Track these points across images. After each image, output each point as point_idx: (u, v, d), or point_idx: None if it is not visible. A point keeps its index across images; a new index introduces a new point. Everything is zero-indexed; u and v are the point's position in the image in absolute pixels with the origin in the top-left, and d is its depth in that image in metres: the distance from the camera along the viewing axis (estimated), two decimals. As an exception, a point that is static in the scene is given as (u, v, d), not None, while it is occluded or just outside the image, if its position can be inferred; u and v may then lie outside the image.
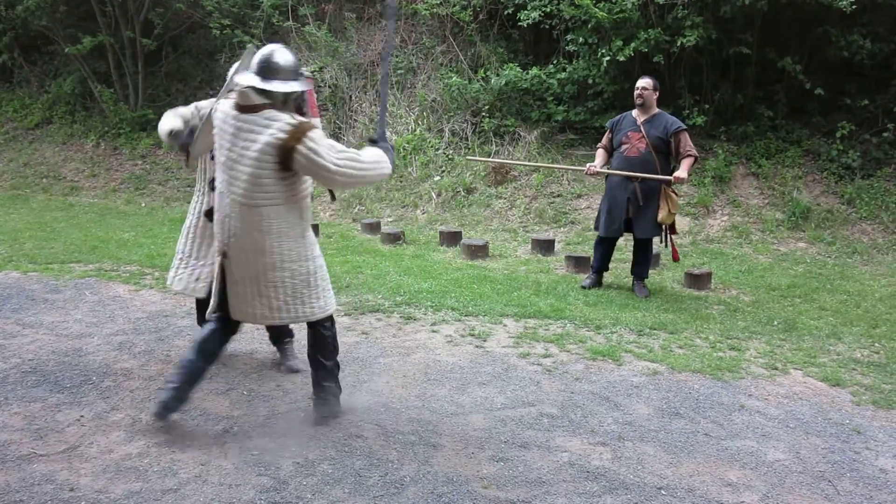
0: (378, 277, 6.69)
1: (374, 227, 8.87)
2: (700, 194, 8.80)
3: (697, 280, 6.61)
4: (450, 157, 10.08)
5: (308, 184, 3.66)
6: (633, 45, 8.74)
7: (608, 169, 6.36)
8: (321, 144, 3.43)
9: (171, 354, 4.77)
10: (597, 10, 8.79)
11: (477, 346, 4.97)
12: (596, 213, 6.91)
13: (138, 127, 12.75)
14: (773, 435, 3.80)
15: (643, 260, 6.40)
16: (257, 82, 3.47)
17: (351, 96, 11.39)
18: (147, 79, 13.11)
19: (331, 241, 8.43)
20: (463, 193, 9.55)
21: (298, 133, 3.40)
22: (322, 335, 3.86)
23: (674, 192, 6.23)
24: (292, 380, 4.37)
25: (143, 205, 11.05)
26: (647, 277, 6.44)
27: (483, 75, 10.21)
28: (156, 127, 12.42)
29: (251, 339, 5.02)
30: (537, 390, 4.25)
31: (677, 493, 3.23)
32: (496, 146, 10.02)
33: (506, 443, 3.61)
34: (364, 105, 11.29)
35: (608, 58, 8.94)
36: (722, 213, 8.68)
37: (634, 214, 6.23)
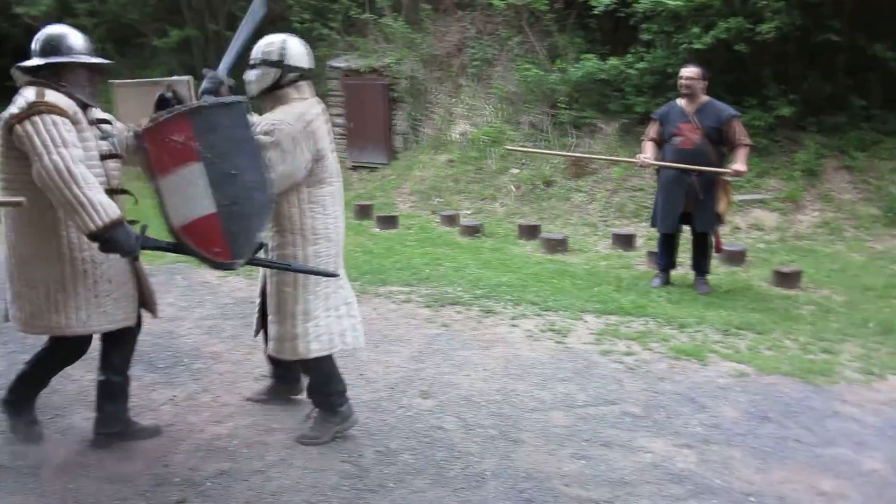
0: (457, 270, 6.70)
1: (452, 220, 8.89)
2: (789, 188, 8.49)
3: (786, 278, 6.38)
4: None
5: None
6: (712, 32, 8.47)
7: (667, 163, 6.18)
8: (46, 131, 2.90)
9: (258, 339, 4.87)
10: (669, 1, 8.55)
11: (557, 342, 4.93)
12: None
13: (223, 118, 13.07)
14: (870, 443, 3.63)
15: (703, 254, 6.22)
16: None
17: (427, 87, 11.42)
18: (231, 70, 13.42)
19: (410, 233, 8.49)
20: (542, 186, 9.47)
21: (29, 112, 2.92)
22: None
23: (725, 185, 6.05)
24: (373, 369, 4.42)
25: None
26: (708, 273, 6.28)
27: (560, 66, 10.07)
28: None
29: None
30: (619, 388, 4.19)
31: (766, 500, 3.13)
32: (575, 138, 9.89)
33: (587, 441, 3.57)
34: (441, 97, 11.31)
35: (685, 45, 8.71)
36: (812, 209, 8.35)
37: (694, 208, 6.05)
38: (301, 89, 3.34)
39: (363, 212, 9.45)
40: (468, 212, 9.44)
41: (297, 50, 3.32)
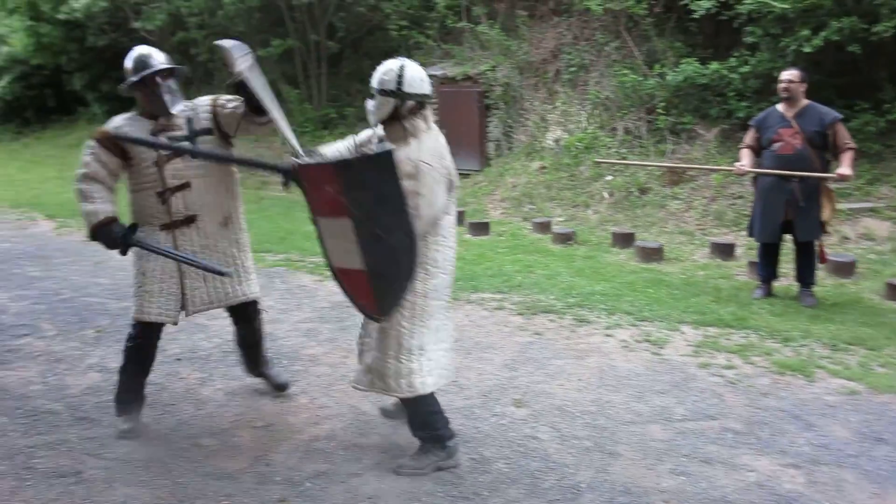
0: (549, 278, 6.65)
1: (544, 227, 8.83)
2: (904, 197, 8.04)
3: (900, 292, 6.04)
4: (623, 156, 9.84)
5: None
6: (823, 34, 8.12)
7: (765, 170, 5.94)
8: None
9: (353, 344, 4.97)
10: (775, 2, 8.24)
11: (654, 353, 4.82)
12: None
13: (321, 125, 13.43)
14: None
15: (808, 264, 5.95)
16: None
17: (523, 94, 11.39)
18: (330, 79, 13.79)
19: (501, 240, 8.49)
20: (636, 193, 9.29)
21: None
22: None
23: (832, 189, 5.77)
24: (466, 376, 4.43)
25: (323, 199, 11.61)
26: (814, 284, 6.00)
27: (659, 71, 9.87)
28: (336, 125, 12.97)
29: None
30: (720, 403, 4.06)
31: (882, 526, 2.98)
32: (672, 144, 9.67)
33: (687, 456, 3.47)
34: (535, 103, 11.27)
35: (793, 48, 8.38)
36: (929, 219, 7.89)
37: (795, 216, 5.81)
38: (427, 119, 3.24)
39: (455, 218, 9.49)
40: (560, 219, 9.36)
41: (414, 76, 3.17)
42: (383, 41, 13.73)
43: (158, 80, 3.61)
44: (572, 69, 11.12)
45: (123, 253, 3.62)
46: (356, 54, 14.28)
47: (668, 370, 4.52)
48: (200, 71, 15.10)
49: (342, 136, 13.39)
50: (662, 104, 9.77)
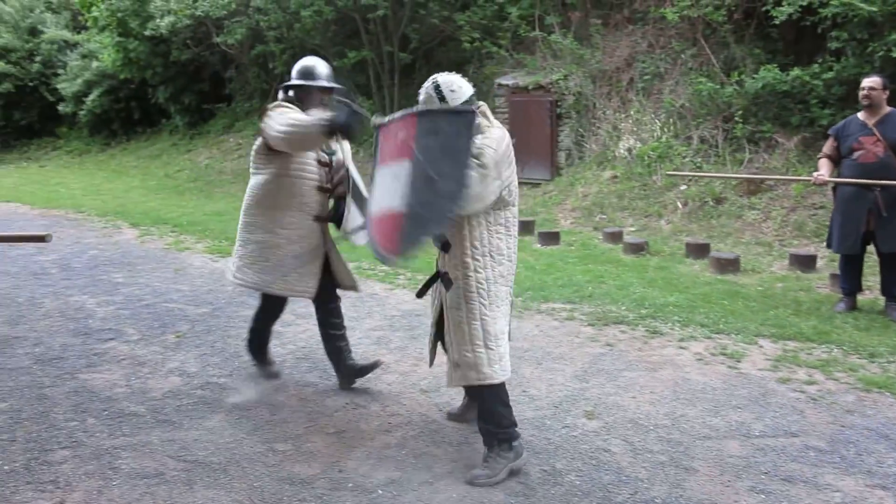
0: (621, 288, 6.57)
1: (615, 237, 8.72)
2: None
3: None
4: (698, 165, 9.65)
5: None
6: (914, 38, 7.82)
7: (846, 179, 5.76)
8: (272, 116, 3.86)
9: (424, 353, 5.01)
10: (863, 5, 7.96)
11: (730, 367, 4.70)
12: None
13: (392, 135, 13.58)
14: None
15: (893, 277, 5.71)
16: None
17: (595, 104, 11.30)
18: (402, 90, 13.95)
19: (571, 250, 8.42)
20: (711, 203, 9.09)
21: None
22: None
23: None
24: (537, 386, 4.41)
25: (394, 209, 11.74)
26: None
27: (737, 78, 9.65)
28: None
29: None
30: (801, 420, 3.92)
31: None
32: (749, 153, 9.43)
33: (766, 474, 3.37)
34: (608, 112, 11.16)
35: (881, 53, 8.08)
36: None
37: (877, 226, 5.62)
38: (486, 115, 3.37)
39: (525, 227, 9.45)
40: (632, 229, 9.23)
41: (448, 89, 3.37)
42: (455, 52, 13.83)
43: (326, 94, 4.12)
44: (647, 77, 10.98)
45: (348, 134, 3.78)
46: (428, 65, 14.40)
47: (746, 384, 4.40)
48: (277, 82, 15.45)
49: (414, 146, 13.38)
50: (740, 112, 9.54)
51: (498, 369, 3.30)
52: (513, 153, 3.37)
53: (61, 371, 4.79)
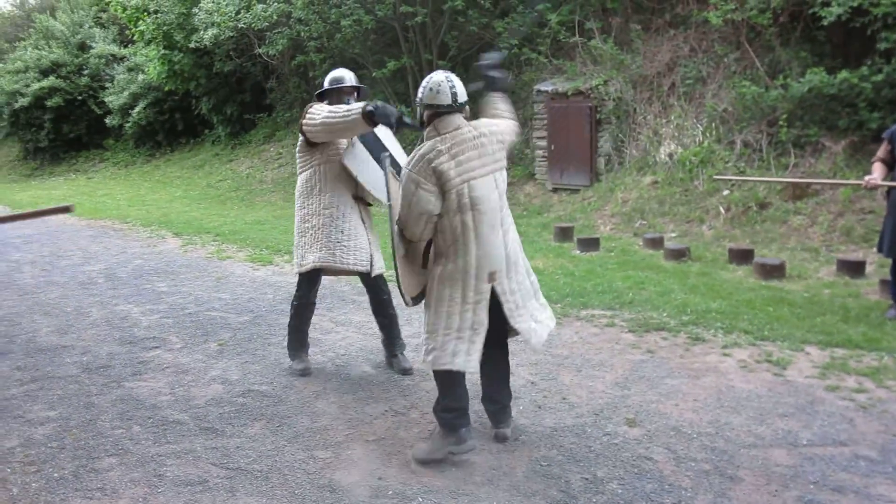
0: (662, 294, 6.48)
1: (656, 243, 8.61)
2: None
3: None
4: (741, 170, 9.48)
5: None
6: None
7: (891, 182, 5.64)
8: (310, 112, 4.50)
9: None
10: None
11: (775, 374, 4.60)
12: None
13: (430, 143, 13.63)
14: None
15: None
16: None
17: (635, 109, 11.19)
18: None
19: (611, 256, 8.33)
20: (755, 208, 8.92)
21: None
22: None
23: None
24: (577, 394, 4.37)
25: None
26: None
27: (782, 82, 9.47)
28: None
29: (525, 352, 5.12)
30: (850, 428, 3.82)
31: None
32: (795, 158, 9.24)
33: (815, 484, 3.28)
34: (649, 117, 11.04)
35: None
36: None
37: None
38: (437, 125, 3.55)
39: (564, 234, 9.41)
40: (673, 235, 9.11)
41: (427, 89, 3.57)
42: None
43: (347, 92, 4.75)
44: (689, 82, 10.84)
45: (398, 128, 4.13)
46: (466, 72, 14.42)
47: (792, 392, 4.30)
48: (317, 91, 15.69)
49: (452, 153, 13.36)
50: (785, 116, 9.36)
51: (431, 359, 3.53)
52: (455, 159, 3.47)
53: (108, 379, 4.88)
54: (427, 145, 3.50)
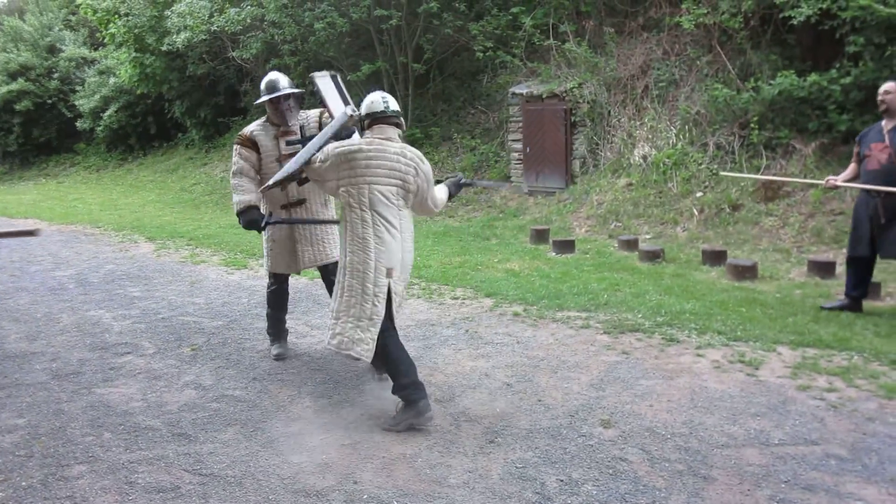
0: (637, 296, 6.52)
1: (631, 244, 8.67)
2: None
3: None
4: (714, 171, 9.58)
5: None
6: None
7: (851, 183, 5.88)
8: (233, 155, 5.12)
9: (438, 362, 5.00)
10: (881, 7, 7.88)
11: (748, 374, 4.64)
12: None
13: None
14: None
15: None
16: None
17: (609, 111, 11.26)
18: (416, 100, 13.98)
19: (587, 258, 8.38)
20: (728, 210, 9.02)
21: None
22: None
23: None
24: (552, 395, 4.37)
25: (409, 219, 11.75)
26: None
27: (753, 85, 9.58)
28: (422, 145, 13.10)
29: (508, 354, 5.11)
30: (821, 427, 3.86)
31: None
32: (766, 160, 9.35)
33: (786, 483, 3.31)
34: (623, 120, 11.12)
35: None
36: None
37: (877, 233, 5.65)
38: (374, 130, 4.08)
39: (539, 236, 9.45)
40: (648, 236, 9.18)
41: (365, 104, 4.15)
42: (469, 62, 13.87)
43: (282, 101, 4.86)
44: (662, 84, 10.94)
45: (261, 231, 4.90)
46: (442, 75, 14.45)
47: (764, 392, 4.34)
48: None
49: (427, 156, 13.60)
50: (756, 118, 9.48)
51: (336, 343, 3.98)
52: (357, 161, 3.97)
53: (78, 386, 4.81)
54: (357, 142, 4.04)
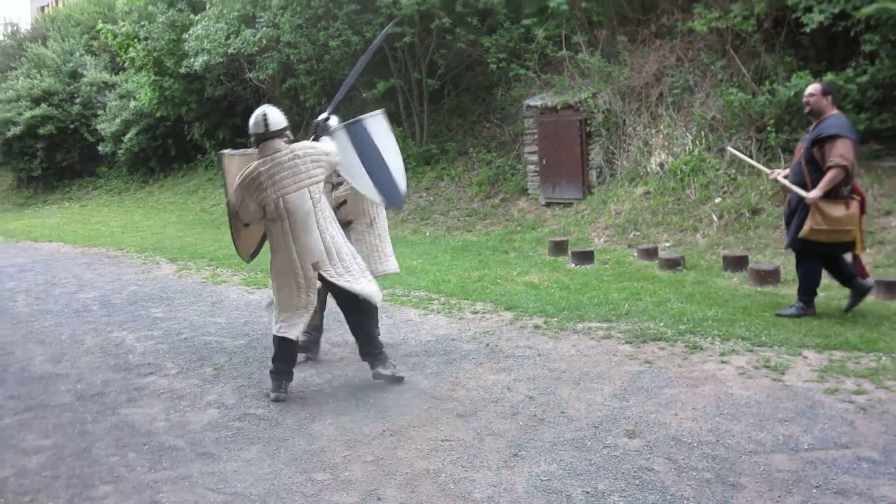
0: (658, 304, 6.46)
1: (650, 253, 8.61)
2: None
3: None
4: (732, 177, 9.51)
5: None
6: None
7: (785, 181, 6.04)
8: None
9: (460, 377, 4.98)
10: (894, 5, 7.79)
11: (774, 380, 4.58)
12: None
13: (423, 161, 13.64)
14: None
15: (800, 276, 6.02)
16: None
17: (624, 120, 11.23)
18: (430, 116, 14.02)
19: (606, 268, 8.33)
20: (748, 215, 8.93)
21: None
22: None
23: (820, 208, 5.58)
24: (575, 407, 4.34)
25: (428, 234, 11.77)
26: (804, 298, 5.92)
27: (769, 88, 9.51)
28: (438, 160, 13.09)
29: (530, 365, 5.09)
30: (851, 431, 3.80)
31: None
32: (785, 163, 9.26)
33: (818, 488, 3.26)
34: (638, 128, 11.07)
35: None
36: None
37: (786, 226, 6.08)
38: (262, 150, 4.60)
39: (558, 248, 9.41)
40: (667, 244, 9.11)
41: (250, 124, 4.67)
42: (483, 75, 13.88)
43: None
44: (676, 91, 10.88)
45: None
46: (456, 90, 14.48)
47: (791, 397, 4.28)
48: (307, 115, 15.68)
49: (443, 171, 13.60)
50: (773, 121, 9.40)
51: (279, 328, 4.66)
52: (261, 182, 4.52)
53: (102, 407, 4.84)
54: (253, 166, 4.52)
